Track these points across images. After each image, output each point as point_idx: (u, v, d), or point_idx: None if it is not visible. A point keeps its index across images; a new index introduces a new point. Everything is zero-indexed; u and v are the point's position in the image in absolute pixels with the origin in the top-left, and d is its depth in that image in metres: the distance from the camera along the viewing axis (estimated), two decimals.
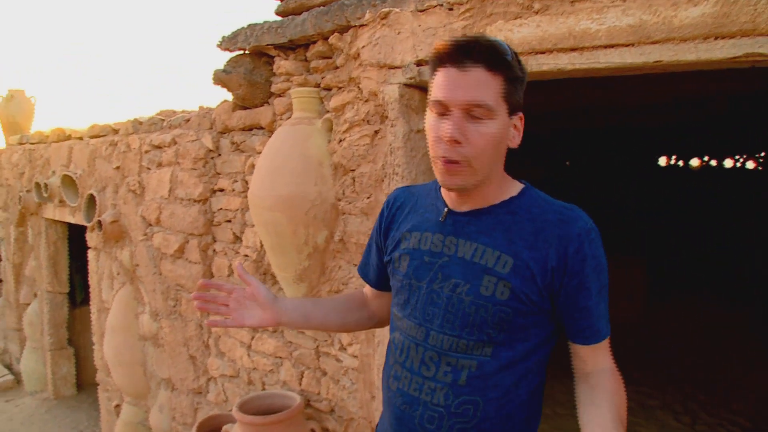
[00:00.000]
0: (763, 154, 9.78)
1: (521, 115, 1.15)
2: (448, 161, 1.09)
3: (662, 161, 11.23)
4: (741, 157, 10.34)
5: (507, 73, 1.08)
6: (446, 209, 1.21)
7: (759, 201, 8.76)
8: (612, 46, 1.65)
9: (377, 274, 1.43)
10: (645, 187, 10.10)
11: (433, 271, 1.19)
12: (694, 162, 11.01)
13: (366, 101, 2.24)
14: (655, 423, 3.79)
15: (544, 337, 1.16)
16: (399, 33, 2.07)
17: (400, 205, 1.34)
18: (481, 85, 1.06)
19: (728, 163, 10.63)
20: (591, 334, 1.14)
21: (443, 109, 1.09)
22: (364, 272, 1.48)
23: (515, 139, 1.16)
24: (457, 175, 1.10)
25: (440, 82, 1.09)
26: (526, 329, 1.13)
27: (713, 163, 10.87)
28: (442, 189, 1.24)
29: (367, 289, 1.51)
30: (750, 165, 10.40)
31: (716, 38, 1.52)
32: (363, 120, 2.26)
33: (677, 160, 11.16)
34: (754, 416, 3.91)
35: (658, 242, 8.84)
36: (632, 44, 1.62)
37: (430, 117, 1.13)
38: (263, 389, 2.88)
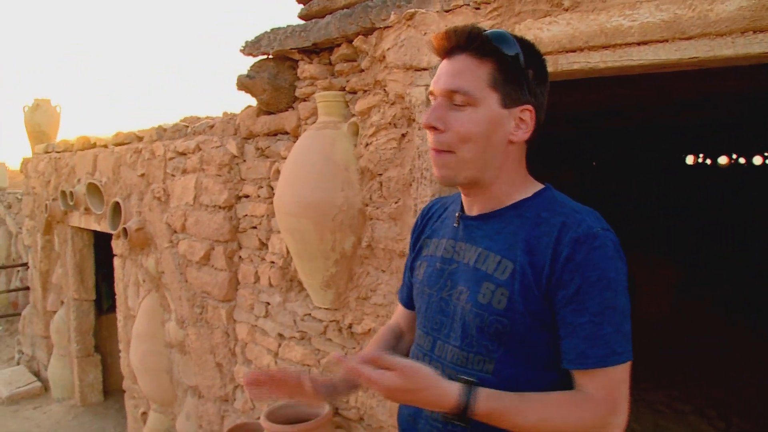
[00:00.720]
0: None
1: (529, 108, 1.07)
2: (434, 151, 1.08)
3: (690, 159, 11.04)
4: None
5: (498, 60, 1.04)
6: (458, 213, 1.18)
7: None
8: (645, 43, 1.60)
9: (409, 292, 1.35)
10: (672, 186, 9.94)
11: (443, 278, 1.15)
12: (723, 160, 10.80)
13: (392, 104, 2.22)
14: (688, 428, 3.70)
15: (553, 361, 1.03)
16: (425, 34, 2.05)
17: (431, 216, 1.31)
18: (463, 71, 1.04)
19: (757, 160, 10.40)
20: (576, 356, 0.98)
21: (432, 99, 1.09)
22: (402, 297, 1.41)
23: (519, 133, 1.08)
24: (446, 166, 1.07)
25: (435, 74, 1.10)
26: (528, 346, 1.03)
27: (742, 160, 10.65)
28: (462, 194, 1.19)
29: (402, 314, 1.42)
30: None
31: (754, 32, 1.47)
32: (389, 123, 2.23)
33: (705, 158, 10.96)
34: None
35: (687, 241, 8.69)
36: (666, 40, 1.57)
37: None
38: None
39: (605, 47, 1.65)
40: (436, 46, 1.09)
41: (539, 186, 1.14)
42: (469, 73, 1.04)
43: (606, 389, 0.98)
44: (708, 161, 11.04)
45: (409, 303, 1.37)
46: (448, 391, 0.96)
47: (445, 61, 1.08)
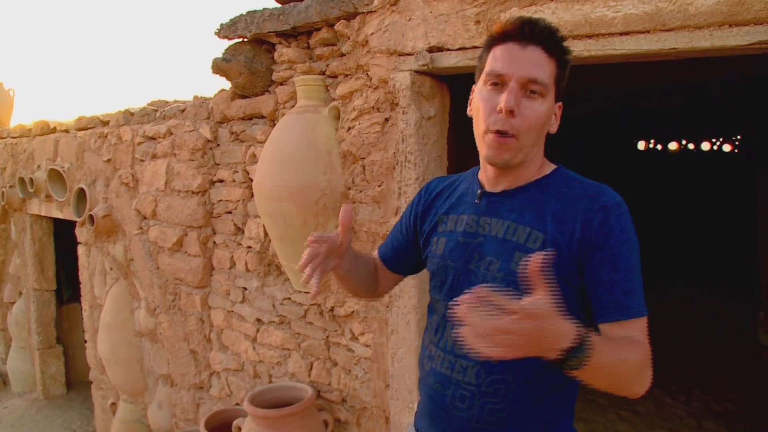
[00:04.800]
0: (739, 137, 9.98)
1: (560, 103, 1.20)
2: (500, 133, 1.12)
3: (641, 145, 11.38)
4: (718, 141, 10.54)
5: (561, 58, 1.15)
6: (480, 191, 1.24)
7: (735, 184, 8.95)
8: (628, 33, 1.68)
9: (395, 255, 1.46)
10: (624, 170, 10.25)
11: (468, 251, 1.21)
12: (673, 145, 11.18)
13: (375, 88, 2.24)
14: (651, 401, 3.89)
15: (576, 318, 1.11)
16: (410, 19, 2.07)
17: (440, 192, 1.37)
18: (540, 64, 1.11)
19: (705, 146, 10.82)
20: (615, 309, 1.06)
21: (499, 82, 1.12)
22: (382, 251, 1.49)
23: (555, 126, 1.21)
24: (507, 149, 1.13)
25: (499, 56, 1.13)
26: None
27: (691, 146, 11.05)
28: (479, 172, 1.27)
29: (380, 265, 1.51)
30: (726, 148, 10.61)
31: (731, 26, 1.56)
32: (373, 107, 2.25)
33: (656, 143, 11.33)
34: (744, 392, 4.03)
35: (637, 222, 8.98)
36: (648, 31, 1.65)
37: (483, 90, 1.16)
38: (270, 382, 2.87)
39: (589, 36, 1.72)
40: (509, 29, 1.13)
41: (553, 166, 1.24)
42: (545, 65, 1.12)
43: (643, 337, 1.08)
44: (659, 146, 11.41)
45: (389, 260, 1.47)
46: (574, 322, 0.91)
47: (515, 47, 1.12)
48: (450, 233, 1.26)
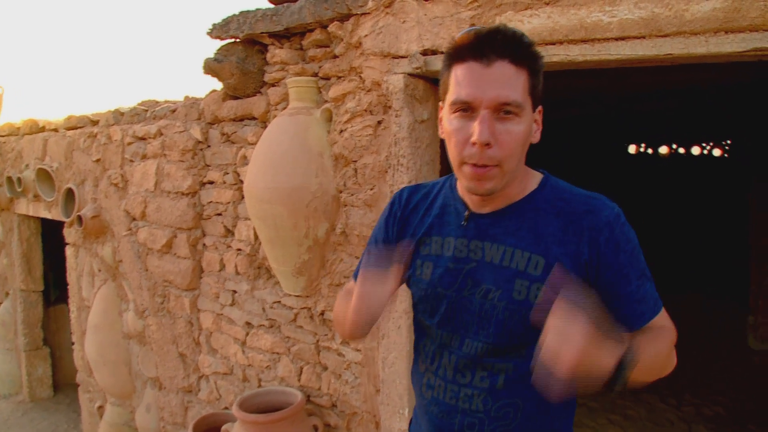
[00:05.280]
0: (729, 141, 10.04)
1: (540, 108, 1.10)
2: (478, 165, 1.02)
3: (632, 149, 11.42)
4: (708, 145, 10.60)
5: (531, 66, 1.03)
6: (467, 212, 1.15)
7: (726, 188, 9.00)
8: (623, 39, 1.67)
9: None
10: (615, 174, 10.28)
11: (461, 278, 1.13)
12: (663, 149, 11.24)
13: (368, 91, 2.22)
14: (642, 405, 3.89)
15: None
16: (404, 22, 2.05)
17: (414, 207, 1.25)
18: (508, 80, 1.00)
19: (696, 150, 10.88)
20: (634, 320, 1.08)
21: (468, 108, 1.02)
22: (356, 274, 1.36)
23: (537, 134, 1.11)
24: (489, 180, 1.04)
25: (462, 79, 1.02)
26: None
27: (681, 150, 11.11)
28: (459, 188, 1.17)
29: None
30: (717, 152, 10.68)
31: (726, 32, 1.55)
32: (365, 110, 2.23)
33: (647, 147, 11.37)
34: (735, 395, 4.04)
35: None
36: (643, 37, 1.64)
37: (450, 117, 1.05)
38: (260, 386, 2.84)
39: (584, 41, 1.71)
40: (464, 47, 1.02)
41: (539, 175, 1.16)
42: (515, 80, 1.01)
43: (664, 321, 1.11)
44: (650, 150, 11.46)
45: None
46: (611, 346, 0.94)
47: (477, 65, 1.00)
48: (437, 258, 1.17)
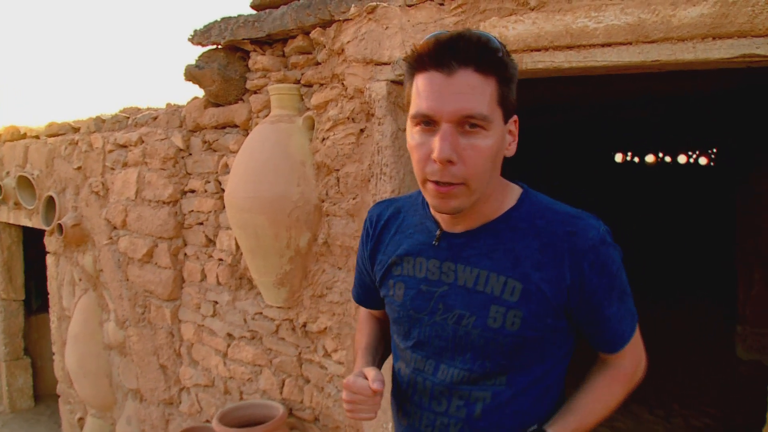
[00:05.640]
0: (715, 150, 10.09)
1: (515, 118, 1.01)
2: (441, 183, 0.94)
3: (618, 157, 11.45)
4: (694, 153, 10.64)
5: (500, 73, 0.93)
6: (439, 231, 1.07)
7: (712, 197, 9.02)
8: (610, 45, 1.63)
9: (369, 294, 1.28)
10: (601, 182, 10.29)
11: (433, 301, 1.06)
12: (650, 158, 11.27)
13: (351, 98, 2.17)
14: (631, 417, 3.84)
15: (562, 355, 1.08)
16: (387, 28, 2.01)
17: (385, 224, 1.18)
18: (472, 91, 0.90)
19: (682, 159, 10.93)
20: (616, 341, 1.07)
21: (430, 122, 0.93)
22: (361, 298, 1.32)
23: (512, 147, 1.02)
24: (453, 198, 0.95)
25: (422, 91, 0.93)
26: (540, 351, 1.04)
27: (668, 159, 11.16)
28: (434, 210, 1.08)
29: (369, 311, 1.36)
30: (702, 161, 10.73)
31: (714, 38, 1.52)
32: (348, 118, 2.18)
33: (633, 156, 11.40)
34: (724, 406, 4.01)
35: (616, 235, 9.00)
36: (630, 43, 1.60)
37: (412, 131, 0.97)
38: (241, 399, 2.77)
39: (570, 47, 1.67)
40: (423, 56, 0.93)
41: (517, 189, 1.08)
42: (481, 90, 0.91)
43: (633, 349, 1.10)
44: (636, 159, 11.50)
45: (369, 303, 1.31)
46: None
47: (440, 76, 0.91)
48: (409, 279, 1.10)
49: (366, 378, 1.04)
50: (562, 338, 1.06)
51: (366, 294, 1.30)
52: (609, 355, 1.10)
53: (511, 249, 1.01)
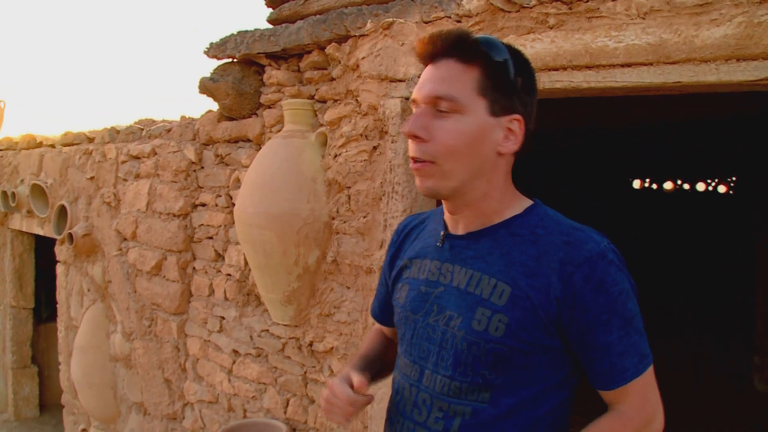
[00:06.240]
0: (734, 178, 9.97)
1: (518, 117, 1.00)
2: (415, 160, 1.00)
3: (636, 183, 11.35)
4: (713, 181, 10.53)
5: (485, 65, 0.98)
6: (443, 232, 1.09)
7: (731, 225, 8.89)
8: (630, 65, 1.59)
9: (387, 308, 1.27)
10: (619, 208, 10.18)
11: (429, 302, 1.06)
12: (668, 185, 11.16)
13: (364, 115, 2.15)
14: None
15: (556, 382, 1.00)
16: (402, 45, 1.99)
17: (408, 232, 1.22)
18: (449, 77, 0.98)
19: (701, 186, 10.81)
20: (613, 375, 0.96)
21: (417, 107, 1.02)
22: (376, 312, 1.33)
23: (508, 144, 1.01)
24: (427, 177, 1.00)
25: (418, 81, 1.04)
26: (529, 371, 0.98)
27: (686, 186, 11.04)
28: (444, 211, 1.11)
29: (383, 329, 1.34)
30: (722, 189, 10.61)
31: (738, 60, 1.47)
32: (361, 135, 2.15)
33: (651, 182, 11.30)
34: None
35: (630, 261, 8.88)
36: (651, 63, 1.56)
37: None
38: (245, 416, 2.72)
39: (589, 67, 1.63)
40: (420, 51, 1.03)
41: (528, 202, 1.07)
42: (455, 78, 0.97)
43: (641, 397, 0.98)
44: (654, 186, 11.39)
45: (381, 318, 1.31)
46: None
47: (429, 67, 1.02)
48: (413, 280, 1.11)
49: (351, 383, 1.04)
50: (555, 363, 0.99)
51: (381, 307, 1.30)
52: (606, 393, 1.00)
53: (507, 253, 1.00)
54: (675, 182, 11.16)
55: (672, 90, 1.58)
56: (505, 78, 0.99)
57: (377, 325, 1.35)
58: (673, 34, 1.51)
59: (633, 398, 0.98)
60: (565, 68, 1.66)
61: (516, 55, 1.02)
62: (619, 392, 0.98)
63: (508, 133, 1.00)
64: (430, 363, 1.04)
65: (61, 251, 4.09)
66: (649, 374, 0.99)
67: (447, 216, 1.10)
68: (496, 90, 0.98)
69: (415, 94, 1.02)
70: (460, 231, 1.07)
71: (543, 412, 0.99)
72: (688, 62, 1.51)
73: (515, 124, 1.01)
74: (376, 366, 1.21)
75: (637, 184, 11.27)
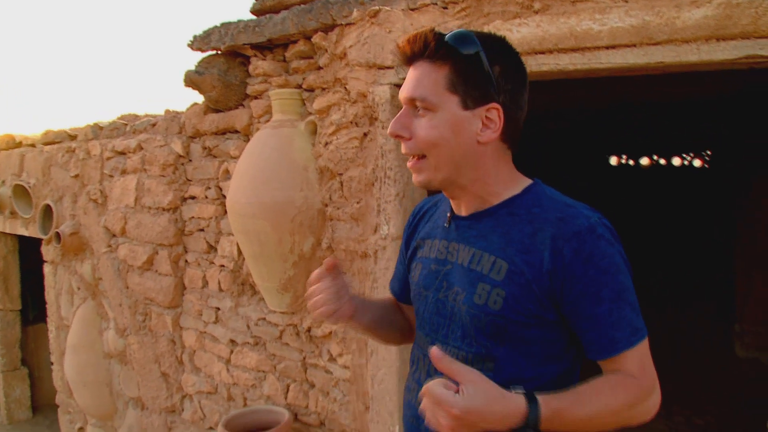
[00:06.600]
0: (709, 152, 10.15)
1: (496, 106, 1.03)
2: (409, 157, 1.09)
3: (613, 160, 11.49)
4: (689, 156, 10.71)
5: (455, 62, 1.02)
6: (449, 214, 1.16)
7: (709, 199, 9.08)
8: (614, 47, 1.64)
9: (404, 286, 1.34)
10: (596, 185, 10.33)
11: (438, 279, 1.14)
12: (644, 161, 11.32)
13: (354, 102, 2.17)
14: None
15: (555, 354, 1.05)
16: (390, 32, 2.01)
17: (422, 215, 1.29)
18: (421, 78, 1.04)
19: (677, 161, 10.99)
20: (603, 345, 1.00)
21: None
22: (391, 286, 1.40)
23: (487, 133, 1.04)
24: (419, 172, 1.08)
25: None
26: (528, 343, 1.03)
27: (662, 162, 11.21)
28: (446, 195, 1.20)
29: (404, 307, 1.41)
30: (697, 163, 10.79)
31: (718, 40, 1.53)
32: (351, 122, 2.19)
33: (628, 159, 11.45)
34: (724, 405, 4.03)
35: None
36: (634, 45, 1.61)
37: None
38: (245, 405, 2.76)
39: (574, 50, 1.68)
40: (400, 56, 1.09)
41: (528, 181, 1.12)
42: (426, 79, 1.03)
43: (639, 367, 1.01)
44: (631, 162, 11.55)
45: (400, 295, 1.37)
46: (516, 401, 0.92)
47: (409, 69, 1.08)
48: (425, 259, 1.19)
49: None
50: (553, 335, 1.04)
51: (399, 285, 1.37)
52: (603, 364, 1.03)
53: (506, 232, 1.06)
54: (651, 158, 11.33)
55: (655, 70, 1.64)
56: (478, 70, 1.02)
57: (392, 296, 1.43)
58: (655, 16, 1.56)
59: (629, 367, 1.00)
60: (551, 51, 1.71)
61: (494, 44, 1.05)
62: (614, 361, 1.01)
63: (486, 122, 1.04)
64: (441, 335, 1.11)
65: (48, 251, 4.06)
66: (644, 347, 1.02)
67: (451, 200, 1.16)
68: (468, 84, 1.02)
69: (399, 95, 1.10)
70: (463, 212, 1.13)
71: (545, 381, 1.04)
72: (670, 43, 1.57)
73: (493, 112, 1.04)
74: (377, 306, 1.32)
75: (614, 160, 11.42)
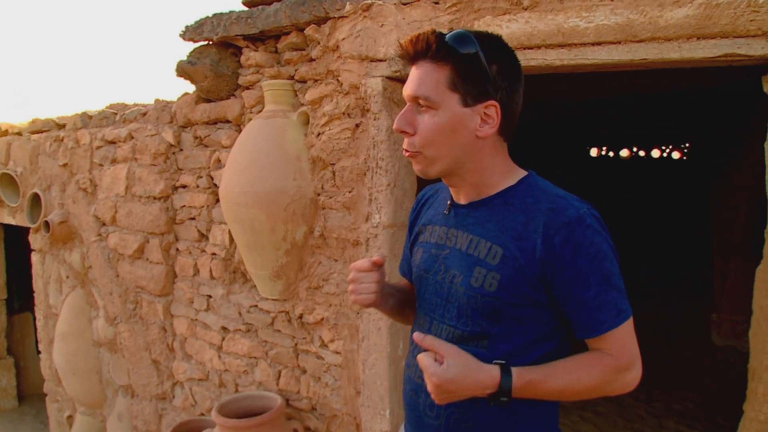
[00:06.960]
0: (687, 144, 10.32)
1: (494, 103, 1.10)
2: (405, 151, 1.16)
3: (594, 152, 11.63)
4: (667, 148, 10.87)
5: (456, 62, 1.08)
6: (449, 202, 1.24)
7: (687, 190, 9.25)
8: (600, 44, 1.70)
9: (410, 266, 1.40)
10: (577, 176, 10.45)
11: (438, 263, 1.21)
12: (624, 152, 11.47)
13: (346, 94, 2.22)
14: (613, 402, 3.97)
15: (545, 333, 1.13)
16: (382, 25, 2.06)
17: (425, 201, 1.37)
18: (424, 77, 1.10)
19: (656, 153, 11.15)
20: (590, 326, 1.08)
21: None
22: (402, 269, 1.47)
23: (485, 129, 1.11)
24: (417, 163, 1.16)
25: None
26: (521, 323, 1.11)
27: (641, 153, 11.37)
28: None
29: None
30: (675, 155, 10.97)
31: (699, 38, 1.60)
32: (343, 113, 2.23)
33: (608, 150, 11.59)
34: (702, 391, 4.16)
35: None
36: (619, 42, 1.68)
37: None
38: (237, 391, 2.81)
39: (562, 46, 1.74)
40: (403, 55, 1.15)
41: (523, 173, 1.19)
42: (429, 78, 1.09)
43: (619, 345, 1.10)
44: (611, 153, 11.69)
45: (409, 275, 1.43)
46: (491, 372, 1.06)
47: (412, 68, 1.14)
48: (426, 244, 1.27)
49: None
50: (545, 316, 1.12)
51: (407, 266, 1.44)
52: (589, 342, 1.12)
53: (501, 221, 1.13)
54: (631, 149, 11.48)
55: (639, 66, 1.71)
56: (477, 69, 1.09)
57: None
58: (639, 15, 1.63)
59: (611, 345, 1.09)
60: (539, 47, 1.77)
61: (491, 43, 1.11)
62: (599, 340, 1.10)
63: (485, 118, 1.11)
64: (438, 314, 1.20)
65: (36, 239, 4.06)
66: (628, 326, 1.10)
67: (451, 188, 1.24)
68: (467, 82, 1.09)
69: (403, 92, 1.16)
70: (462, 201, 1.21)
71: (535, 357, 1.13)
72: (654, 41, 1.64)
73: (491, 109, 1.11)
74: (398, 290, 1.40)
75: (594, 152, 11.56)
